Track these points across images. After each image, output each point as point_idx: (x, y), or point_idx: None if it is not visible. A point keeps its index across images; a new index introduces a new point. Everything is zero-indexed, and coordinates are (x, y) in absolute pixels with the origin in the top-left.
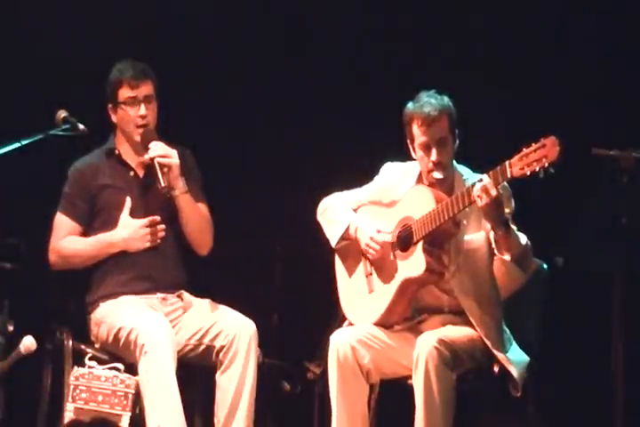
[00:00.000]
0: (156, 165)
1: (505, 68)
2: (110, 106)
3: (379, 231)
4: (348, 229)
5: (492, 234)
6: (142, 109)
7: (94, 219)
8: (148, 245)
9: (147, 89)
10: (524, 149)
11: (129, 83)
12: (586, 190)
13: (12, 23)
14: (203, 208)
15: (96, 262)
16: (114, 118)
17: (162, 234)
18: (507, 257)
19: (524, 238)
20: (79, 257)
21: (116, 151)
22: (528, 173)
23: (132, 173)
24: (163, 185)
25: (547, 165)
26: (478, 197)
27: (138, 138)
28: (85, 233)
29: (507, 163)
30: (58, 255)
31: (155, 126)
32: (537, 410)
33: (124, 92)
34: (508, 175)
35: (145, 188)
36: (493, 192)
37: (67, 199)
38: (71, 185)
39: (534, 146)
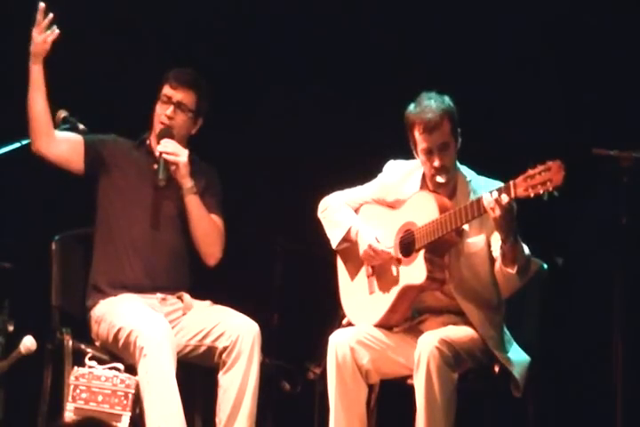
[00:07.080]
0: (161, 160)
1: (505, 67)
2: (157, 99)
3: (378, 241)
4: (349, 231)
5: (494, 241)
6: (170, 110)
7: (105, 193)
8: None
9: (185, 97)
10: (530, 170)
11: (171, 83)
12: (586, 190)
13: (12, 23)
14: (216, 219)
15: (101, 252)
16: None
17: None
18: (511, 270)
19: (526, 249)
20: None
21: (147, 141)
22: (532, 195)
23: (155, 166)
24: (160, 177)
25: (551, 189)
26: (491, 209)
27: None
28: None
29: (511, 183)
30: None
31: (183, 136)
32: (537, 410)
33: (165, 89)
34: (512, 195)
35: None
36: (512, 205)
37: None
38: (100, 136)
39: (539, 168)
